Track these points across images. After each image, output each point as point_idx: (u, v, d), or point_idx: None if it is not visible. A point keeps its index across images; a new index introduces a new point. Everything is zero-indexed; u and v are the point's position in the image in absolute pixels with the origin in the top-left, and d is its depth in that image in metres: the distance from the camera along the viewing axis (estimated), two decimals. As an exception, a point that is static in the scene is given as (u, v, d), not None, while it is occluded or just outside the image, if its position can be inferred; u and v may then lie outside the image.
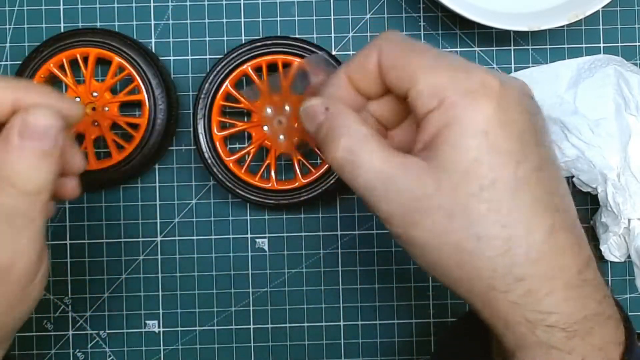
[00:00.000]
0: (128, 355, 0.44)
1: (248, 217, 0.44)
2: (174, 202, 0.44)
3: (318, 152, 0.41)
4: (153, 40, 0.44)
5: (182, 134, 0.44)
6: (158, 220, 0.44)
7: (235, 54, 0.41)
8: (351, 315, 0.44)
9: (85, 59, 0.42)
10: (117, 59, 0.41)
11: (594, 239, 0.44)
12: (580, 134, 0.42)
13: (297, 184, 0.41)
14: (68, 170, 0.32)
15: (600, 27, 0.44)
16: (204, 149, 0.41)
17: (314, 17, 0.44)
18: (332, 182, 0.41)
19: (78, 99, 0.42)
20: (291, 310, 0.44)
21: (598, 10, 0.40)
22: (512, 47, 0.44)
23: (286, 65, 0.41)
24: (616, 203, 0.40)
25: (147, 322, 0.44)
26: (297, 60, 0.41)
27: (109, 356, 0.44)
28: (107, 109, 0.42)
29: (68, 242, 0.44)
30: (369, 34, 0.44)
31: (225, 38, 0.44)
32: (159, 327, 0.44)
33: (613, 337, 0.27)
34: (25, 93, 0.29)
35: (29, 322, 0.44)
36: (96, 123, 0.42)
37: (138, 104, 0.43)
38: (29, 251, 0.29)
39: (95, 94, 0.42)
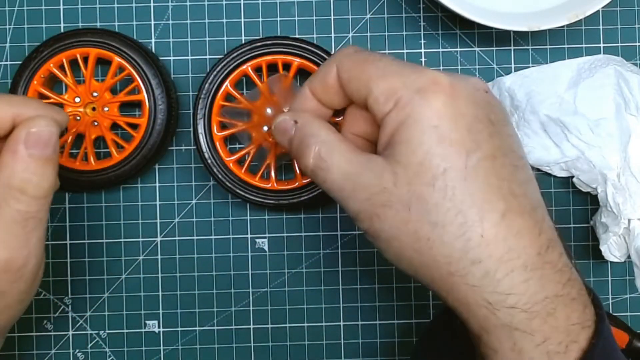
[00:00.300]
0: (128, 355, 0.44)
1: (248, 217, 0.44)
2: (174, 202, 0.44)
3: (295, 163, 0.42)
4: (153, 40, 0.44)
5: (182, 134, 0.44)
6: (158, 220, 0.44)
7: (235, 54, 0.41)
8: (351, 315, 0.44)
9: (85, 59, 0.42)
10: (117, 59, 0.41)
11: (594, 239, 0.44)
12: (580, 134, 0.42)
13: (297, 184, 0.41)
14: None
15: (600, 27, 0.44)
16: (204, 149, 0.41)
17: (314, 17, 0.44)
18: (332, 182, 0.41)
19: (78, 99, 0.42)
20: (291, 310, 0.44)
21: (598, 10, 0.40)
22: (512, 47, 0.44)
23: (286, 65, 0.41)
24: (616, 203, 0.40)
25: (147, 322, 0.44)
26: (297, 60, 0.41)
27: (109, 356, 0.44)
28: (107, 109, 0.42)
29: (68, 242, 0.44)
30: (369, 34, 0.44)
31: (225, 38, 0.44)
32: (159, 327, 0.44)
33: (579, 320, 0.28)
34: (24, 107, 0.32)
35: (29, 322, 0.44)
36: (96, 123, 0.42)
37: (138, 104, 0.43)
38: (37, 250, 0.32)
39: (95, 94, 0.42)
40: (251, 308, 0.44)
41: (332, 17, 0.44)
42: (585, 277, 0.44)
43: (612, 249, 0.41)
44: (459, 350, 0.32)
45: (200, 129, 0.41)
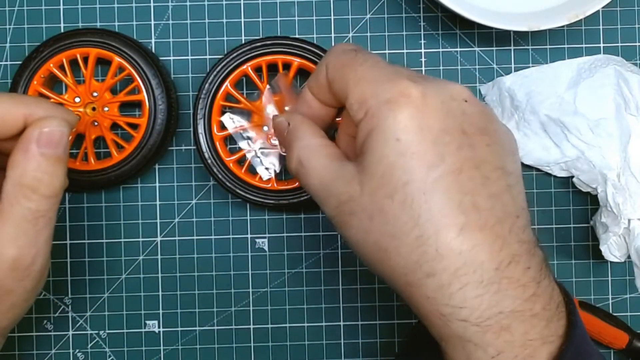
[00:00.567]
0: (128, 355, 0.44)
1: (248, 217, 0.44)
2: (174, 202, 0.44)
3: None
4: (153, 40, 0.44)
5: (182, 134, 0.44)
6: (158, 220, 0.44)
7: (235, 54, 0.41)
8: (351, 315, 0.44)
9: (85, 59, 0.42)
10: (117, 59, 0.41)
11: (594, 239, 0.44)
12: (580, 134, 0.42)
13: (297, 184, 0.41)
14: None
15: (600, 27, 0.44)
16: (204, 149, 0.41)
17: (314, 17, 0.44)
18: (332, 182, 0.41)
19: (78, 99, 0.42)
20: (291, 310, 0.44)
21: (598, 10, 0.40)
22: (512, 47, 0.44)
23: (286, 65, 0.41)
24: (616, 203, 0.40)
25: (147, 322, 0.44)
26: (297, 60, 0.41)
27: (109, 356, 0.44)
28: (107, 109, 0.42)
29: (68, 242, 0.44)
30: (369, 34, 0.44)
31: (225, 38, 0.44)
32: (159, 327, 0.44)
33: (539, 335, 0.28)
34: (36, 107, 0.32)
35: (29, 322, 0.44)
36: (96, 123, 0.42)
37: (138, 104, 0.43)
38: (45, 249, 0.32)
39: (95, 94, 0.42)
40: (251, 308, 0.44)
41: (332, 17, 0.44)
42: (584, 278, 0.44)
43: (612, 249, 0.41)
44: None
45: (200, 129, 0.41)
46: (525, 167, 0.44)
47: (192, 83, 0.44)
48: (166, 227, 0.44)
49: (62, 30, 0.43)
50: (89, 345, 0.44)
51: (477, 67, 0.44)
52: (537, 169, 0.44)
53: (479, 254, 0.27)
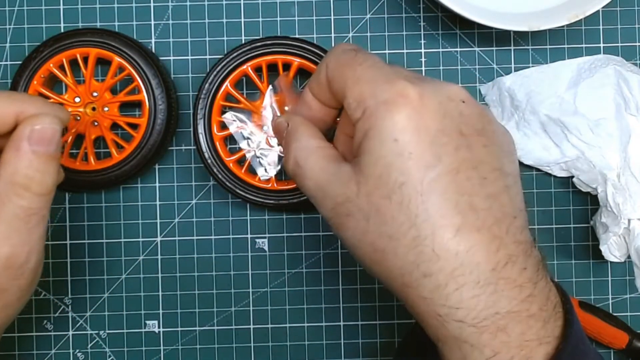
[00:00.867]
0: (128, 355, 0.44)
1: (248, 217, 0.44)
2: (174, 202, 0.44)
3: None
4: (153, 40, 0.44)
5: (182, 134, 0.44)
6: (158, 220, 0.44)
7: (235, 54, 0.41)
8: (351, 315, 0.44)
9: (85, 59, 0.42)
10: (117, 59, 0.41)
11: (594, 239, 0.44)
12: (580, 134, 0.42)
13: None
14: None
15: (600, 27, 0.44)
16: (204, 149, 0.41)
17: (314, 17, 0.44)
18: (332, 182, 0.41)
19: (78, 99, 0.42)
20: (291, 310, 0.44)
21: (598, 10, 0.40)
22: (512, 47, 0.44)
23: (286, 65, 0.41)
24: (616, 203, 0.40)
25: (147, 322, 0.44)
26: (297, 60, 0.41)
27: (109, 356, 0.44)
28: (107, 109, 0.42)
29: (68, 242, 0.44)
30: (369, 34, 0.44)
31: (225, 38, 0.44)
32: (159, 327, 0.44)
33: (536, 336, 0.28)
34: (27, 104, 0.32)
35: (29, 322, 0.44)
36: (96, 123, 0.42)
37: (138, 104, 0.43)
38: (38, 247, 0.32)
39: (95, 94, 0.42)
40: (251, 308, 0.44)
41: (332, 17, 0.44)
42: (584, 278, 0.44)
43: (612, 249, 0.41)
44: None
45: (200, 129, 0.41)
46: (525, 167, 0.44)
47: (192, 83, 0.44)
48: (166, 227, 0.44)
49: (62, 30, 0.43)
50: (89, 345, 0.44)
51: (477, 67, 0.44)
52: (537, 169, 0.44)
53: (475, 254, 0.27)
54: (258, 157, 0.41)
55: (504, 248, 0.28)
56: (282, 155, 0.41)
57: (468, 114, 0.29)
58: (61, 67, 0.41)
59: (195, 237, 0.44)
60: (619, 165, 0.42)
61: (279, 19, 0.44)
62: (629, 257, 0.41)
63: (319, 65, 0.32)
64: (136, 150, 0.41)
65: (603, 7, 0.40)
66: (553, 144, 0.43)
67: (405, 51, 0.44)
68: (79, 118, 0.42)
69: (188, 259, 0.44)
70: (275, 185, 0.41)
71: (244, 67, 0.41)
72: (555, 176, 0.44)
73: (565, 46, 0.44)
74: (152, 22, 0.44)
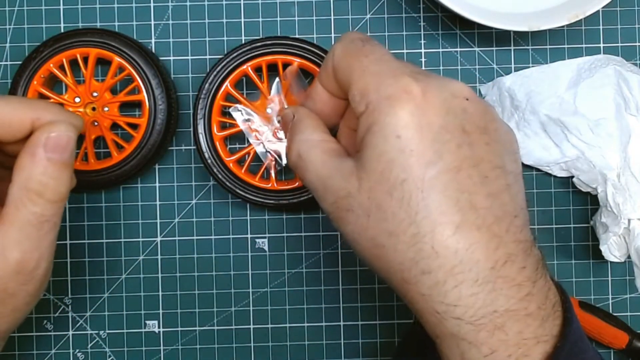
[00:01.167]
0: (128, 355, 0.44)
1: (248, 217, 0.44)
2: (174, 202, 0.44)
3: None
4: (153, 40, 0.44)
5: (182, 134, 0.44)
6: (158, 220, 0.44)
7: (235, 54, 0.41)
8: (351, 315, 0.44)
9: (85, 59, 0.42)
10: (117, 59, 0.41)
11: (594, 239, 0.44)
12: (580, 134, 0.42)
13: (297, 184, 0.41)
14: None
15: (600, 27, 0.44)
16: (204, 149, 0.41)
17: (314, 17, 0.44)
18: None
19: (78, 99, 0.42)
20: (291, 310, 0.44)
21: (598, 10, 0.40)
22: (512, 47, 0.44)
23: (286, 65, 0.41)
24: (616, 203, 0.40)
25: (147, 322, 0.44)
26: (297, 61, 0.41)
27: (109, 356, 0.44)
28: (107, 109, 0.42)
29: (68, 242, 0.44)
30: (369, 34, 0.44)
31: (225, 38, 0.44)
32: (159, 327, 0.44)
33: (534, 334, 0.28)
34: (43, 111, 0.32)
35: (29, 322, 0.44)
36: (96, 123, 0.42)
37: (138, 104, 0.43)
38: (48, 254, 0.32)
39: (95, 94, 0.42)
40: (251, 308, 0.44)
41: (332, 17, 0.44)
42: (584, 278, 0.44)
43: (612, 249, 0.41)
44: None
45: (200, 129, 0.41)
46: (525, 167, 0.44)
47: (192, 83, 0.44)
48: (166, 227, 0.44)
49: (62, 30, 0.43)
50: (89, 345, 0.44)
51: (477, 67, 0.44)
52: (537, 169, 0.44)
53: (474, 252, 0.27)
54: (266, 151, 0.41)
55: (503, 247, 0.28)
56: None
57: (471, 112, 0.29)
58: (61, 67, 0.41)
59: (195, 237, 0.44)
60: (619, 165, 0.42)
61: (279, 19, 0.44)
62: (629, 257, 0.41)
63: (327, 54, 0.32)
64: (136, 150, 0.41)
65: (603, 7, 0.40)
66: (553, 144, 0.43)
67: (405, 51, 0.44)
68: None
69: (188, 259, 0.44)
70: (275, 185, 0.41)
71: (244, 67, 0.41)
72: (555, 176, 0.44)
73: (565, 46, 0.44)
74: (152, 22, 0.44)
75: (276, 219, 0.44)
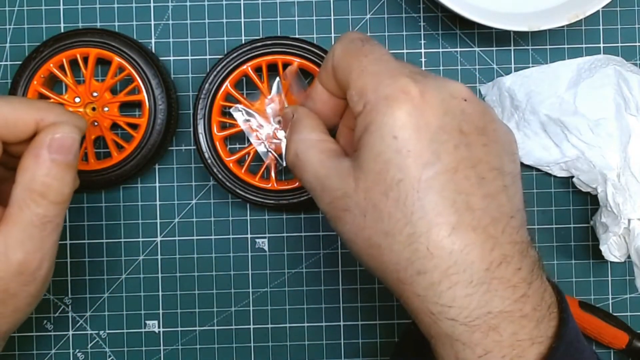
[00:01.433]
0: (128, 355, 0.44)
1: (248, 217, 0.44)
2: (174, 202, 0.44)
3: None
4: (153, 40, 0.44)
5: (182, 134, 0.44)
6: (158, 220, 0.44)
7: (235, 54, 0.41)
8: (351, 315, 0.44)
9: (85, 59, 0.42)
10: (117, 59, 0.41)
11: (594, 239, 0.44)
12: (580, 134, 0.42)
13: (297, 184, 0.41)
14: None
15: (600, 27, 0.44)
16: (204, 149, 0.41)
17: (314, 17, 0.44)
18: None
19: (78, 99, 0.42)
20: (291, 310, 0.44)
21: (598, 10, 0.40)
22: (512, 47, 0.44)
23: (286, 65, 0.41)
24: (616, 203, 0.40)
25: (147, 322, 0.44)
26: (297, 61, 0.41)
27: (109, 356, 0.44)
28: (107, 109, 0.42)
29: (68, 242, 0.44)
30: (369, 34, 0.44)
31: (225, 38, 0.44)
32: (159, 327, 0.44)
33: (528, 336, 0.28)
34: (48, 112, 0.32)
35: (29, 322, 0.44)
36: (96, 123, 0.42)
37: (138, 104, 0.43)
38: (51, 255, 0.32)
39: (95, 94, 0.42)
40: (251, 308, 0.44)
41: (332, 17, 0.44)
42: (584, 278, 0.44)
43: (612, 249, 0.41)
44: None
45: (200, 129, 0.41)
46: (525, 167, 0.44)
47: (192, 83, 0.44)
48: (166, 227, 0.44)
49: (62, 30, 0.43)
50: (89, 345, 0.44)
51: (477, 67, 0.44)
52: (537, 169, 0.44)
53: (469, 253, 0.27)
54: (266, 150, 0.41)
55: (499, 248, 0.28)
56: None
57: (470, 112, 0.29)
58: (61, 67, 0.41)
59: (195, 237, 0.44)
60: (619, 165, 0.42)
61: (279, 19, 0.44)
62: (629, 257, 0.41)
63: (327, 54, 0.32)
64: (136, 150, 0.41)
65: (603, 7, 0.40)
66: (553, 144, 0.43)
67: (405, 51, 0.44)
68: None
69: (188, 259, 0.44)
70: (275, 185, 0.41)
71: (244, 67, 0.41)
72: (555, 176, 0.44)
73: (565, 46, 0.44)
74: (152, 22, 0.44)
75: (276, 219, 0.44)
